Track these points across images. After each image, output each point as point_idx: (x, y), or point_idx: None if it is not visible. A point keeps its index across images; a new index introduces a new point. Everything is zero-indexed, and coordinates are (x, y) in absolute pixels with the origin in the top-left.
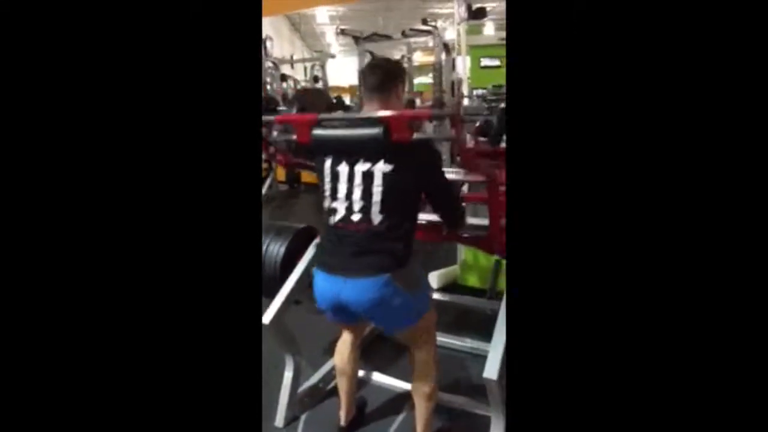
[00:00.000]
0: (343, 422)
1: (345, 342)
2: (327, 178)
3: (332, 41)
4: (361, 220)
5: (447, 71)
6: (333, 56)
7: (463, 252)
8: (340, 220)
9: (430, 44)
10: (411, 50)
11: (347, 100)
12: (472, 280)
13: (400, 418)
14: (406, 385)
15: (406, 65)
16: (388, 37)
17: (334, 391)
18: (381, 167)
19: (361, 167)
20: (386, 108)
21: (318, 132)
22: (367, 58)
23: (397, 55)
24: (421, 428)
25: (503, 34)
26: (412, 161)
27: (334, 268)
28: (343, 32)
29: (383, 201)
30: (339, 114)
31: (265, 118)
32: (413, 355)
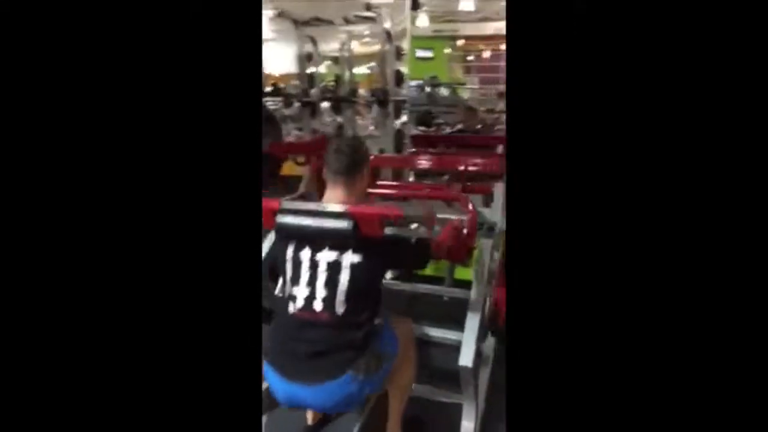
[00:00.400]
0: (310, 421)
1: None
2: (288, 264)
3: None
4: (323, 310)
5: (390, 61)
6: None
7: None
8: (300, 309)
9: (367, 33)
10: (351, 38)
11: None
12: (430, 270)
13: (367, 411)
14: None
15: (346, 54)
16: (330, 23)
17: None
18: (349, 257)
19: (326, 256)
20: (351, 191)
21: (283, 220)
22: (308, 45)
23: (335, 44)
24: (395, 419)
25: (437, 26)
26: (382, 251)
27: (289, 372)
28: (281, 15)
29: (348, 291)
30: (303, 205)
31: None
32: None
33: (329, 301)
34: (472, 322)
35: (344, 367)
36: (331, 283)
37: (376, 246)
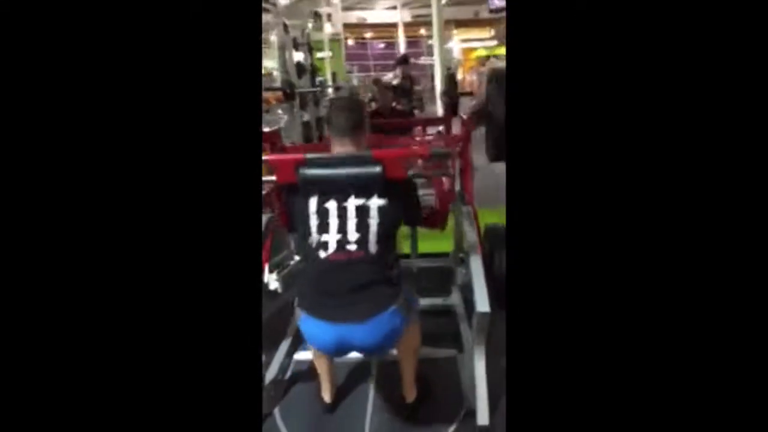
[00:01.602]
0: (328, 399)
1: None
2: (313, 216)
3: None
4: (358, 249)
5: (290, 54)
6: None
7: None
8: (335, 252)
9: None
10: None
11: None
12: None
13: (371, 385)
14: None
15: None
16: None
17: (299, 378)
18: (376, 201)
19: (353, 202)
20: (358, 146)
21: (308, 172)
22: None
23: None
24: (410, 380)
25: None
26: (401, 195)
27: (331, 313)
28: None
29: (378, 233)
30: (326, 156)
31: None
32: None
33: (362, 242)
34: (477, 268)
35: (388, 300)
36: (362, 226)
37: (397, 190)
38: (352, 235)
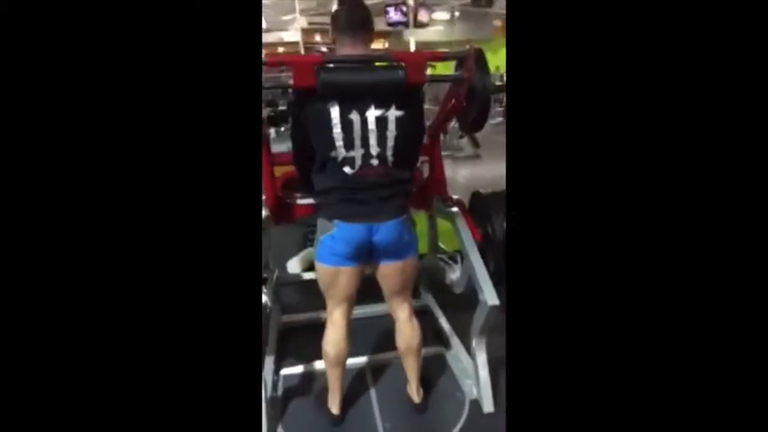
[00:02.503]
0: (337, 411)
1: (338, 328)
2: (336, 128)
3: None
4: (379, 164)
5: None
6: None
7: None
8: (360, 168)
9: None
10: None
11: None
12: None
13: (372, 391)
14: (355, 361)
15: None
16: None
17: (293, 393)
18: (394, 113)
19: (373, 113)
20: (368, 44)
21: (327, 75)
22: None
23: None
24: (416, 378)
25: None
26: (416, 105)
27: (362, 215)
28: None
29: (395, 146)
30: (345, 59)
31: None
32: (398, 315)
33: (382, 155)
34: (478, 264)
35: (400, 210)
36: (382, 138)
37: (414, 100)
38: (374, 148)
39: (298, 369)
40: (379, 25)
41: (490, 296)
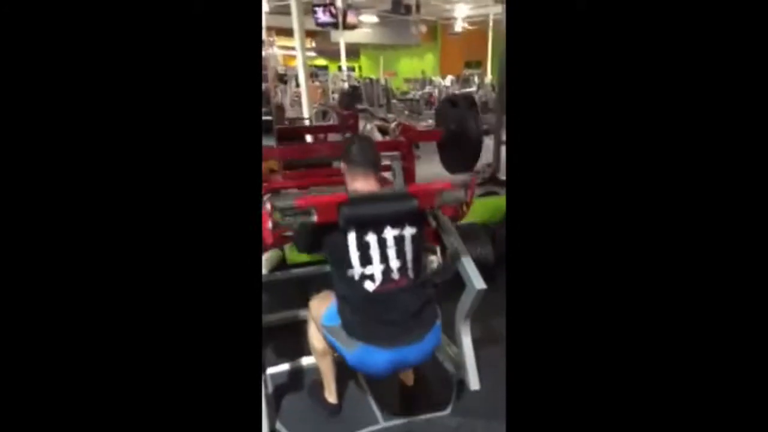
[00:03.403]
0: (334, 399)
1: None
2: (353, 250)
3: None
4: (401, 277)
5: None
6: None
7: None
8: (381, 283)
9: None
10: None
11: None
12: (302, 258)
13: (362, 378)
14: None
15: None
16: None
17: (285, 390)
18: (408, 230)
19: (390, 233)
20: (377, 180)
21: (349, 210)
22: None
23: None
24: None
25: None
26: (423, 222)
27: (390, 339)
28: None
29: (413, 259)
30: (363, 196)
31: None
32: None
33: (403, 268)
34: (462, 249)
35: (434, 318)
36: (401, 253)
37: (421, 219)
38: (394, 263)
39: (284, 367)
40: (308, 24)
41: (477, 281)
